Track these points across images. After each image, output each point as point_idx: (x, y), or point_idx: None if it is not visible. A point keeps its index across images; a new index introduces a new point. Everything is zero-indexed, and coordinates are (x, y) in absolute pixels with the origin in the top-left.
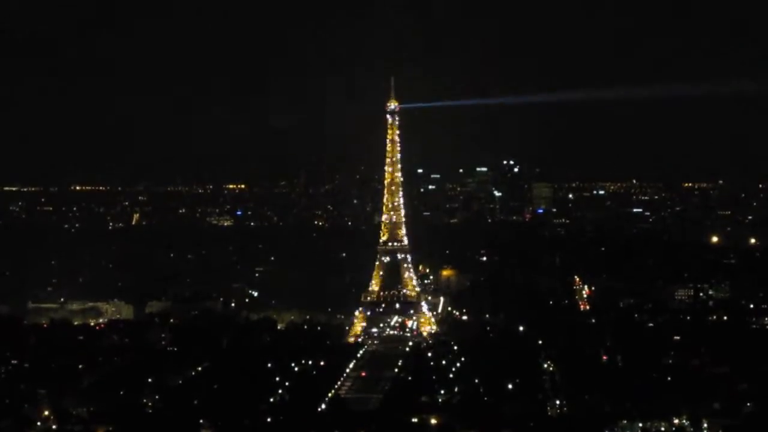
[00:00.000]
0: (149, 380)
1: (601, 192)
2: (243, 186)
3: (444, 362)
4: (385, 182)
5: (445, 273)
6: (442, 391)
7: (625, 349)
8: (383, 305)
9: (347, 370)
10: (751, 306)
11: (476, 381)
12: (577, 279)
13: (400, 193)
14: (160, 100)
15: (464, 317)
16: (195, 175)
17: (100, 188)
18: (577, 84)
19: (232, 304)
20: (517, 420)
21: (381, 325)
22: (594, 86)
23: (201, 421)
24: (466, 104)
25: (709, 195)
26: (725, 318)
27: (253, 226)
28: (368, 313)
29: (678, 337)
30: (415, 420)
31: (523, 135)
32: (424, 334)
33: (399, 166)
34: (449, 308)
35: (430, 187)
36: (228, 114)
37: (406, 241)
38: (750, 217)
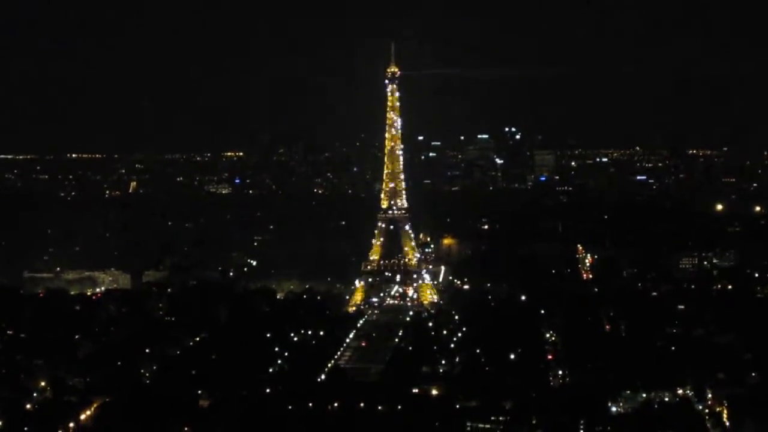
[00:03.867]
0: (147, 351)
1: (604, 159)
2: (241, 154)
3: (445, 332)
4: (386, 149)
5: (446, 241)
6: (443, 362)
7: (628, 319)
8: (383, 274)
9: (347, 340)
10: (757, 275)
11: (477, 351)
12: (580, 248)
13: (401, 161)
14: (159, 69)
15: (465, 286)
16: (193, 142)
17: (97, 156)
18: (578, 50)
19: (231, 274)
20: (519, 390)
21: (381, 294)
22: (595, 52)
23: (199, 391)
24: (468, 72)
25: (713, 162)
26: (730, 287)
27: (252, 195)
28: (368, 282)
29: (682, 307)
30: (415, 390)
31: (524, 102)
32: (425, 303)
33: (399, 133)
34: (450, 277)
35: (431, 154)
36: (226, 80)
37: (406, 209)
38: (755, 185)
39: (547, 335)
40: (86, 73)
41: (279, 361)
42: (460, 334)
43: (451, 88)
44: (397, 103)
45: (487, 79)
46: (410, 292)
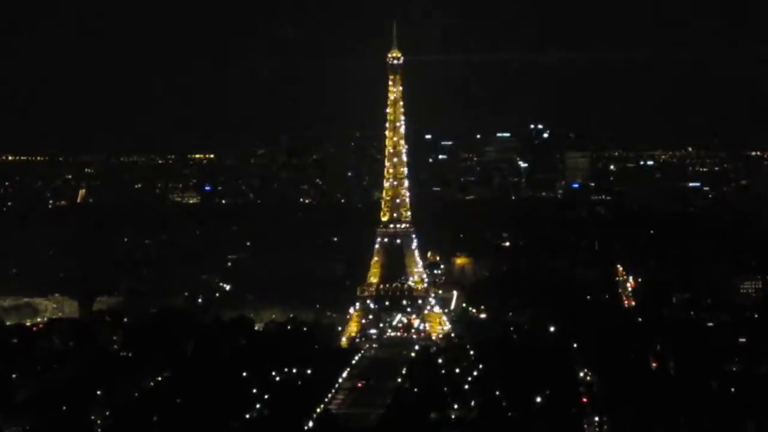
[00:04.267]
0: (98, 393)
1: (650, 162)
2: (212, 156)
3: (457, 370)
4: (386, 150)
5: (460, 261)
6: (456, 406)
7: (678, 354)
8: (384, 300)
9: (340, 380)
10: None
11: (497, 393)
12: (620, 268)
13: (405, 164)
14: (114, 57)
15: (482, 315)
16: (154, 142)
17: (38, 158)
18: (621, 35)
19: (199, 300)
20: None
21: (381, 324)
22: (642, 39)
23: None
24: (484, 58)
25: None
26: None
27: (225, 204)
28: (365, 309)
29: (743, 340)
30: None
31: (553, 94)
32: (434, 335)
33: (403, 130)
34: (464, 304)
35: (441, 156)
36: (196, 68)
37: (411, 222)
38: None
39: (581, 374)
40: (26, 65)
41: (258, 406)
42: (475, 373)
43: (465, 77)
44: (400, 95)
45: (509, 66)
46: (416, 322)
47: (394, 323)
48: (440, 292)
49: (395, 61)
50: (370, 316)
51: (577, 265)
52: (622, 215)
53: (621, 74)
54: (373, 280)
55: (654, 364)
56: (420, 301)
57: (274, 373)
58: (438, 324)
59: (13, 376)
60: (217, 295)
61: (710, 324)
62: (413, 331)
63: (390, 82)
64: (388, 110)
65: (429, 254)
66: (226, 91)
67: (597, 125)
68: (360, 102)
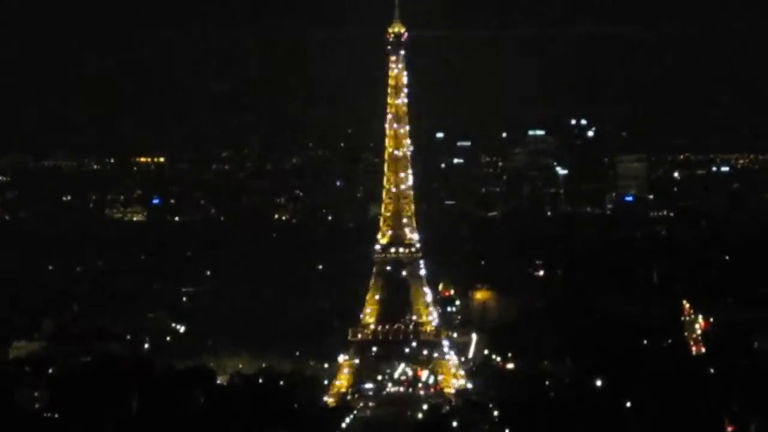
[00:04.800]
0: None
1: (725, 169)
2: (162, 159)
3: None
4: (386, 153)
5: (480, 296)
6: None
7: (762, 415)
8: (383, 346)
9: None
10: None
11: None
12: (687, 306)
13: (410, 171)
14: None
15: (509, 365)
16: (87, 141)
17: None
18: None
19: (146, 345)
20: None
21: (379, 377)
22: (715, 5)
23: None
24: (511, 33)
25: None
26: None
27: (178, 222)
28: (359, 358)
29: None
30: None
31: (600, 80)
32: (447, 391)
33: (407, 127)
34: (485, 351)
35: (457, 160)
36: (141, 48)
37: (418, 245)
38: None
39: None
40: None
41: None
42: None
43: (486, 59)
44: (404, 81)
45: (542, 44)
46: (424, 373)
47: (396, 375)
48: (455, 335)
49: (398, 38)
50: (366, 366)
51: (632, 301)
52: (689, 237)
53: (688, 53)
54: (369, 319)
55: (729, 429)
56: (429, 347)
57: None
58: (452, 376)
59: None
60: (169, 338)
61: None
62: (420, 385)
63: (391, 65)
64: (388, 101)
65: (441, 286)
66: (184, 77)
67: (657, 121)
68: (352, 90)
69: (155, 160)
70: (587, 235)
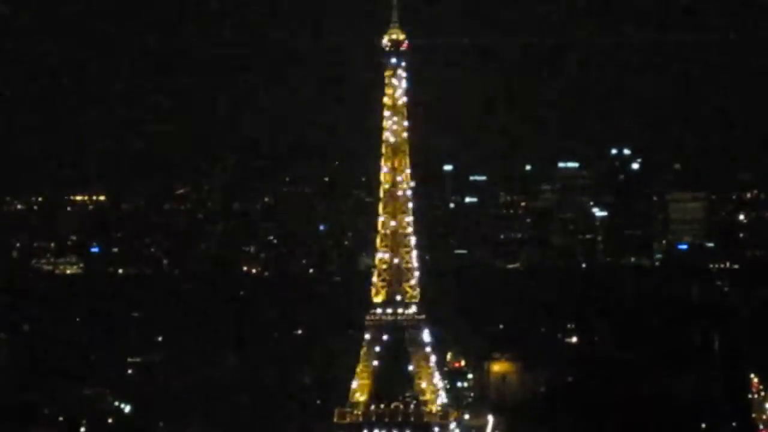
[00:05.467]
0: None
1: None
2: (103, 197)
3: None
4: (381, 189)
5: (498, 368)
6: None
7: None
8: (377, 430)
9: None
10: None
11: None
12: (755, 380)
13: (410, 211)
14: None
15: None
16: (11, 175)
17: None
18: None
19: (82, 430)
20: None
21: None
22: None
23: None
24: (536, 41)
25: None
26: None
27: (122, 276)
28: None
29: None
30: None
31: (646, 101)
32: None
33: (408, 158)
34: None
35: (469, 199)
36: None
37: (421, 304)
38: None
39: None
40: None
41: None
42: None
43: (505, 73)
44: (404, 99)
45: (576, 56)
46: None
47: None
48: (467, 416)
49: (396, 47)
50: None
51: (686, 376)
52: (758, 295)
53: (754, 70)
54: (360, 397)
55: None
56: None
57: None
58: None
59: None
60: (111, 420)
61: None
62: None
63: (388, 80)
64: (384, 124)
65: (449, 356)
66: (132, 94)
67: (716, 151)
68: (340, 111)
69: (94, 198)
70: (631, 293)
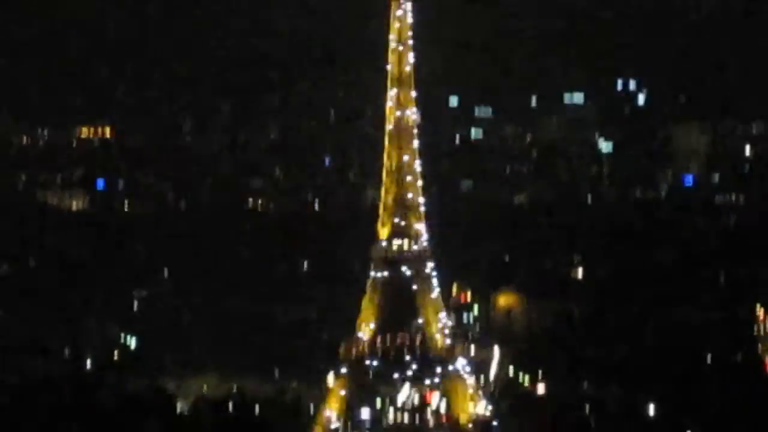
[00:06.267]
0: None
1: None
2: (108, 130)
3: None
4: (387, 124)
5: (504, 301)
6: None
7: None
8: (382, 363)
9: None
10: None
11: None
12: (761, 312)
13: (415, 145)
14: None
15: (540, 388)
16: (13, 106)
17: None
18: None
19: (88, 363)
20: None
21: (378, 402)
22: None
23: None
24: None
25: None
26: None
27: (128, 212)
28: (353, 378)
29: None
30: None
31: (650, 32)
32: (463, 420)
33: (412, 90)
34: (511, 370)
35: (474, 132)
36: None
37: (426, 239)
38: None
39: None
40: None
41: None
42: None
43: (512, 6)
44: (409, 32)
45: None
46: (434, 398)
47: (400, 400)
48: (472, 349)
49: None
50: (361, 389)
51: (692, 307)
52: (764, 227)
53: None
54: (366, 331)
55: None
56: (441, 365)
57: None
58: (469, 401)
59: None
60: (116, 354)
61: None
62: (429, 413)
63: (393, 11)
64: (389, 57)
65: (455, 289)
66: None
67: (722, 83)
68: (343, 44)
69: (100, 129)
70: (636, 226)
